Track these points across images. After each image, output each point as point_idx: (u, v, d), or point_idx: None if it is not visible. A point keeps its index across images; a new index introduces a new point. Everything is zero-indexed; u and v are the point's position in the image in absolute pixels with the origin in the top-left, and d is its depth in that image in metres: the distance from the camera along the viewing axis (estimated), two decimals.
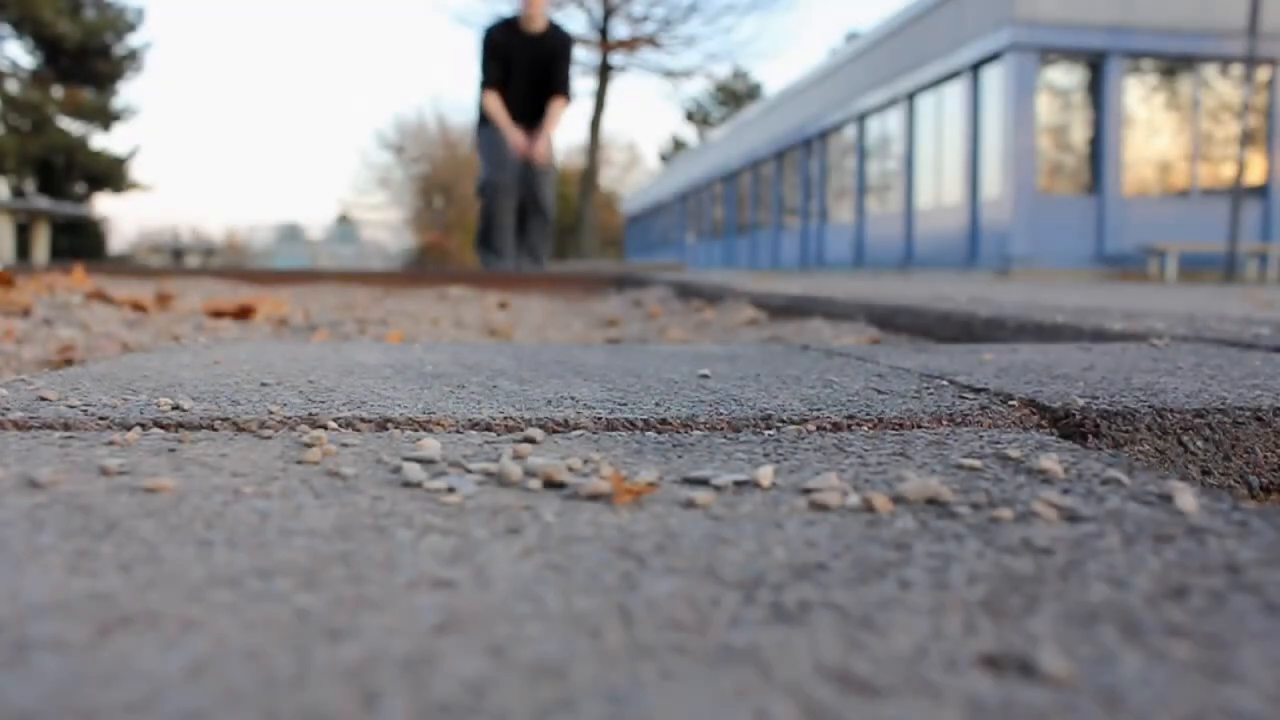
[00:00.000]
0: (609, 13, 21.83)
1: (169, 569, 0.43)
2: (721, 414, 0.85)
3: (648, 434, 0.79)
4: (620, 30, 22.38)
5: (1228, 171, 12.02)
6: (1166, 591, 0.42)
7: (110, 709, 0.29)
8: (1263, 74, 12.07)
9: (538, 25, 6.33)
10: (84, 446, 0.70)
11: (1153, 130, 12.31)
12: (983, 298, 3.25)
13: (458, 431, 0.80)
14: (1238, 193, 9.34)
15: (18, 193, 23.27)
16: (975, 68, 12.49)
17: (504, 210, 6.54)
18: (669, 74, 23.68)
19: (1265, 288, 6.75)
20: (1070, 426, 0.85)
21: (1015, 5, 11.56)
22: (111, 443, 0.71)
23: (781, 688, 0.32)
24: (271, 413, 0.83)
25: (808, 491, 0.59)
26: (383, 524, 0.51)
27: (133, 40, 25.99)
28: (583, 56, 21.32)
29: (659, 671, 0.33)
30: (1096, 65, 11.95)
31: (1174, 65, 12.22)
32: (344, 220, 42.96)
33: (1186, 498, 0.56)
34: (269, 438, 0.75)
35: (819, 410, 0.87)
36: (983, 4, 12.24)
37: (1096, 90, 12.00)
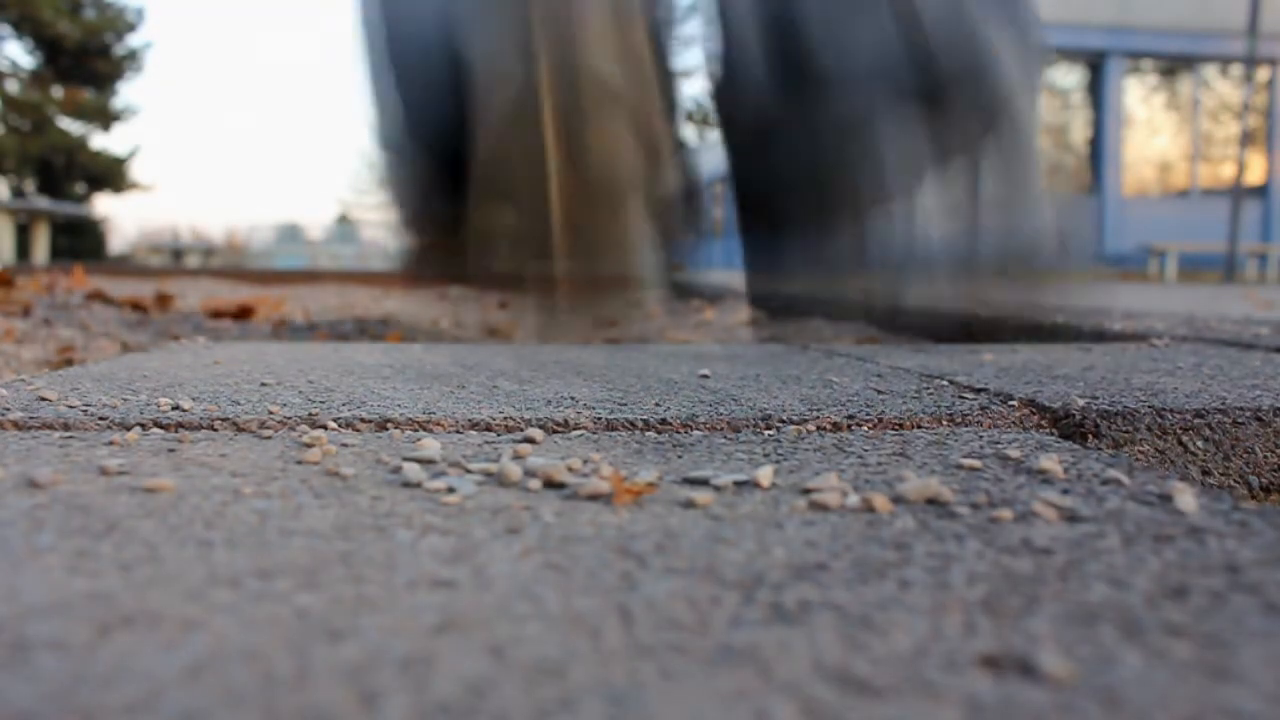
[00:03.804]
0: None
1: (169, 569, 0.43)
2: (721, 414, 0.85)
3: (648, 434, 0.79)
4: None
5: (1228, 171, 12.01)
6: (1166, 591, 0.42)
7: (110, 709, 0.29)
8: (1263, 74, 12.06)
9: None
10: (84, 446, 0.70)
11: (1152, 130, 12.31)
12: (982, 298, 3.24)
13: (458, 432, 0.80)
14: (1238, 193, 9.32)
15: (18, 193, 23.24)
16: None
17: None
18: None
19: (1265, 288, 6.75)
20: (1070, 427, 0.85)
21: None
22: (111, 443, 0.71)
23: (781, 688, 0.32)
24: (271, 413, 0.83)
25: (808, 491, 0.59)
26: (382, 524, 0.51)
27: (133, 40, 26.03)
28: None
29: (659, 671, 0.33)
30: (1096, 65, 11.94)
31: (1174, 65, 12.22)
32: (344, 220, 42.92)
33: (1186, 498, 0.56)
34: (269, 438, 0.75)
35: (819, 410, 0.87)
36: None
37: (1096, 90, 11.99)
